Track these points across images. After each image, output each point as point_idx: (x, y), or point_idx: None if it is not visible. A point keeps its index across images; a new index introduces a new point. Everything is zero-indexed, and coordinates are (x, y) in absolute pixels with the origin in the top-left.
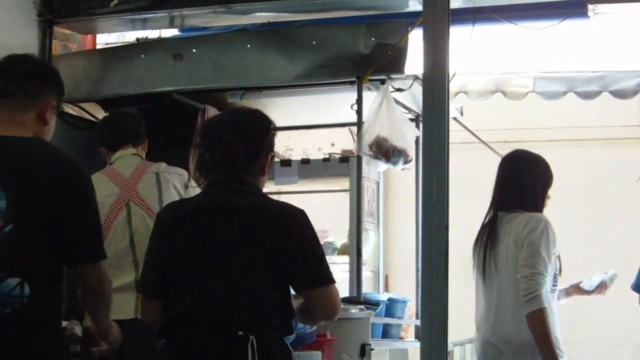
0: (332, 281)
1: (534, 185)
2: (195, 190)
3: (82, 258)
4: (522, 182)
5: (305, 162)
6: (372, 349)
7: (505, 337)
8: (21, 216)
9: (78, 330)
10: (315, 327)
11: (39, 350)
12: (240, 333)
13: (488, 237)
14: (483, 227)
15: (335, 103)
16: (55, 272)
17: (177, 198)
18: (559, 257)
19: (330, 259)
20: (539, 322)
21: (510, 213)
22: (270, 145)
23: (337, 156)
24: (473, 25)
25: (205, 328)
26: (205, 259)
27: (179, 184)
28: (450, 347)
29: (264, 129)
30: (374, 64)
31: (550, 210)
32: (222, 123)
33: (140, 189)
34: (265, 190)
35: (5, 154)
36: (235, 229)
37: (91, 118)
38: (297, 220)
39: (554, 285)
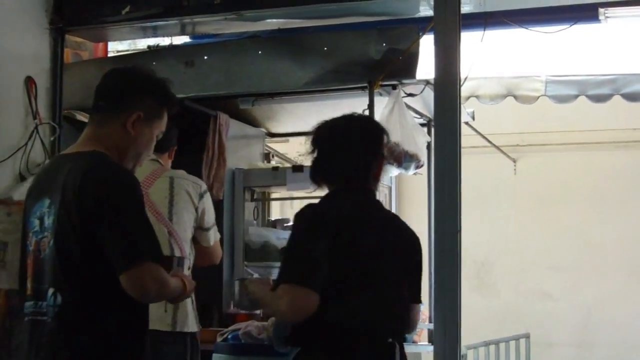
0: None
1: None
2: (209, 200)
3: (116, 269)
4: None
5: None
6: None
7: None
8: (57, 229)
9: None
10: None
11: (79, 355)
12: (390, 340)
13: None
14: None
15: (347, 108)
16: (93, 282)
17: (189, 205)
18: None
19: None
20: None
21: None
22: (383, 153)
23: None
24: (484, 30)
25: (358, 337)
26: (355, 267)
27: (194, 191)
28: (463, 351)
29: (379, 137)
30: (385, 69)
31: (562, 212)
32: (338, 131)
33: (152, 192)
34: (276, 195)
35: (62, 171)
36: (377, 239)
37: None
38: (417, 237)
39: None
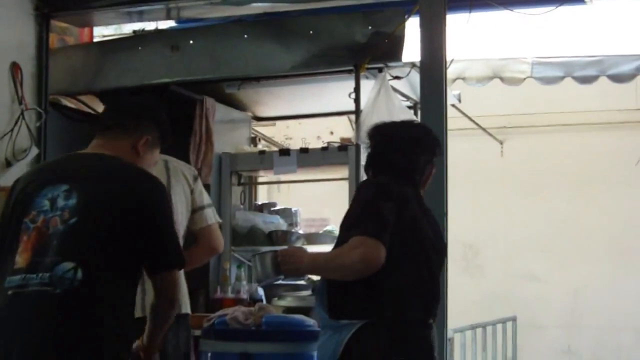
0: None
1: None
2: (200, 183)
3: (158, 267)
4: None
5: (304, 151)
6: None
7: None
8: (87, 213)
9: None
10: None
11: (84, 331)
12: (431, 321)
13: None
14: None
15: (333, 92)
16: (115, 265)
17: (186, 187)
18: None
19: (329, 247)
20: None
21: None
22: (434, 163)
23: (336, 145)
24: (469, 12)
25: (413, 311)
26: (414, 244)
27: (189, 175)
28: (450, 334)
29: (436, 147)
30: (371, 52)
31: (549, 194)
32: (402, 132)
33: None
34: (263, 179)
35: (85, 164)
36: (429, 225)
37: (90, 110)
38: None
39: None
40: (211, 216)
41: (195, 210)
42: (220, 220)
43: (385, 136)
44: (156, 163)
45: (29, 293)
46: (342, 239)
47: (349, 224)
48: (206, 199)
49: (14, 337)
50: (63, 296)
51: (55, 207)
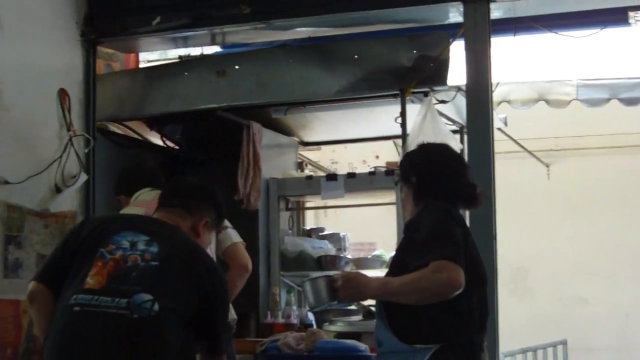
0: None
1: None
2: None
3: (207, 347)
4: None
5: (351, 175)
6: None
7: None
8: (167, 264)
9: None
10: None
11: (153, 354)
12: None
13: None
14: None
15: (379, 116)
16: (184, 324)
17: None
18: None
19: (378, 272)
20: None
21: None
22: None
23: (383, 169)
24: (514, 35)
25: (480, 333)
26: (475, 268)
27: None
28: (501, 358)
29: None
30: (416, 76)
31: (597, 216)
32: (446, 155)
33: None
34: (310, 204)
35: (163, 226)
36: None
37: (137, 136)
38: None
39: None
40: (234, 235)
41: (219, 231)
42: (244, 242)
43: (431, 162)
44: (210, 243)
45: (101, 313)
46: (407, 264)
47: (418, 249)
48: (226, 221)
49: (84, 352)
50: (139, 321)
51: (136, 248)
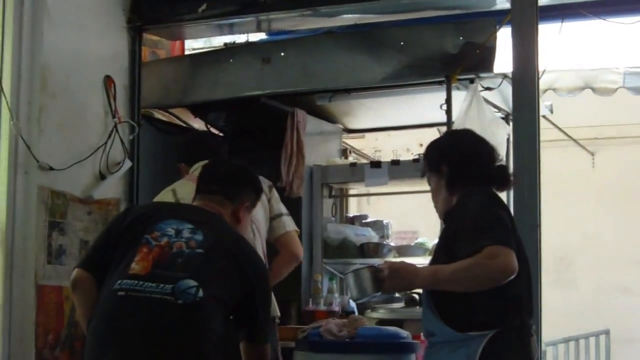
0: None
1: None
2: (275, 192)
3: (248, 336)
4: None
5: (395, 163)
6: None
7: None
8: (212, 251)
9: None
10: None
11: (197, 340)
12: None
13: None
14: None
15: (423, 103)
16: (227, 312)
17: (263, 196)
18: None
19: (421, 259)
20: None
21: None
22: None
23: None
24: (562, 22)
25: (529, 316)
26: (519, 254)
27: (265, 184)
28: (543, 347)
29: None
30: (462, 63)
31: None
32: (478, 142)
33: None
34: (354, 191)
35: (206, 214)
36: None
37: (181, 124)
38: None
39: None
40: (289, 223)
41: (273, 218)
42: (298, 230)
43: (461, 149)
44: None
45: (146, 298)
46: (454, 252)
47: (468, 235)
48: (283, 207)
49: (127, 337)
50: (184, 307)
51: (181, 236)
